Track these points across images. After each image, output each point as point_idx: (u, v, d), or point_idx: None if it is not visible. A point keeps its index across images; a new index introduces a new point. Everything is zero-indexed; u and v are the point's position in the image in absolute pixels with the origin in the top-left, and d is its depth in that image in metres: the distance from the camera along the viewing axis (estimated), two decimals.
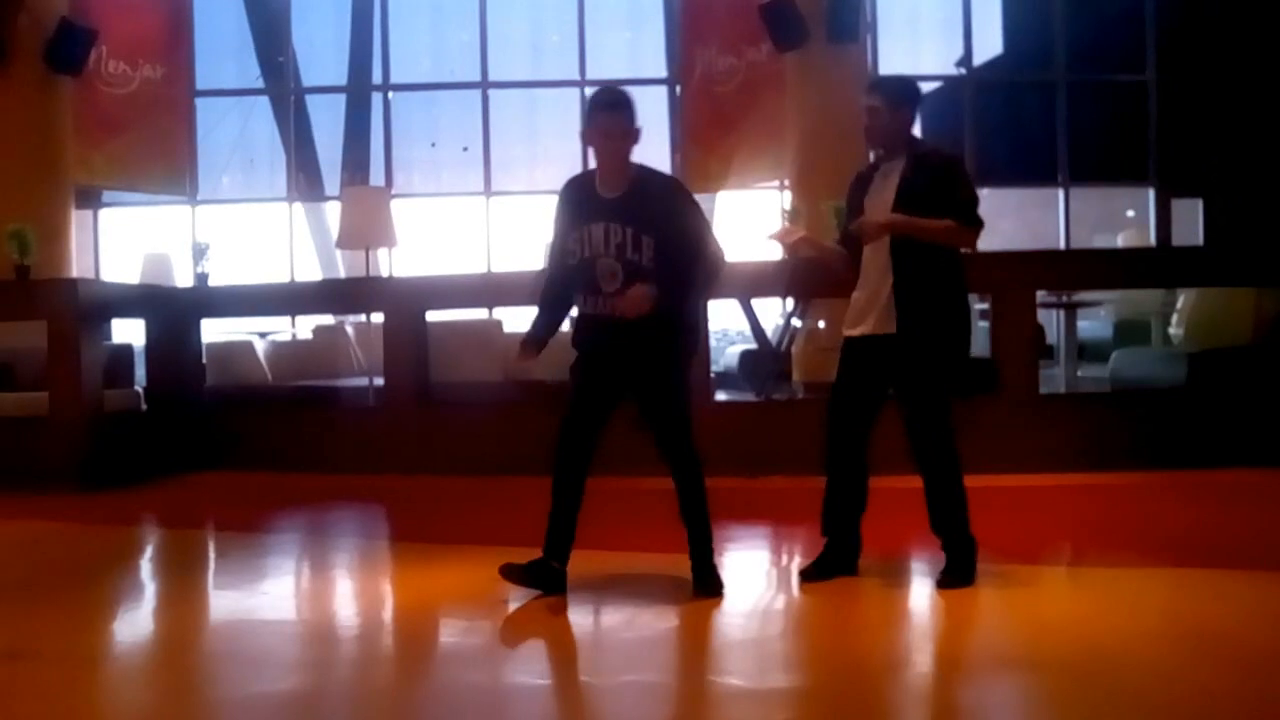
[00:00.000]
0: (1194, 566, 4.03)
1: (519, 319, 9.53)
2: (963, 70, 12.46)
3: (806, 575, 3.83)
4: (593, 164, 3.84)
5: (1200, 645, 3.06)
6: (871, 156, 4.16)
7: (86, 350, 6.46)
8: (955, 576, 3.70)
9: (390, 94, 12.30)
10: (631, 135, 3.69)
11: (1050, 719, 2.73)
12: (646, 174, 3.74)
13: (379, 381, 7.21)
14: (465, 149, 12.18)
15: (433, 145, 12.63)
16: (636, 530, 3.97)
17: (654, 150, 11.04)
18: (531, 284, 4.07)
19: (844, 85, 9.94)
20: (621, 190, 3.67)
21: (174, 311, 7.35)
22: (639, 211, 3.63)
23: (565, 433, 3.82)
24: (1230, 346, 6.74)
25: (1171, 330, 7.76)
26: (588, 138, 3.73)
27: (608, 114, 3.67)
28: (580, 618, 3.61)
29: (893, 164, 3.89)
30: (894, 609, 3.67)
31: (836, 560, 3.85)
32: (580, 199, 3.75)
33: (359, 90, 12.68)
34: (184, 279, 8.78)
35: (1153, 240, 11.58)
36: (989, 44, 13.65)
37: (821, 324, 8.53)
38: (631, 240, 3.62)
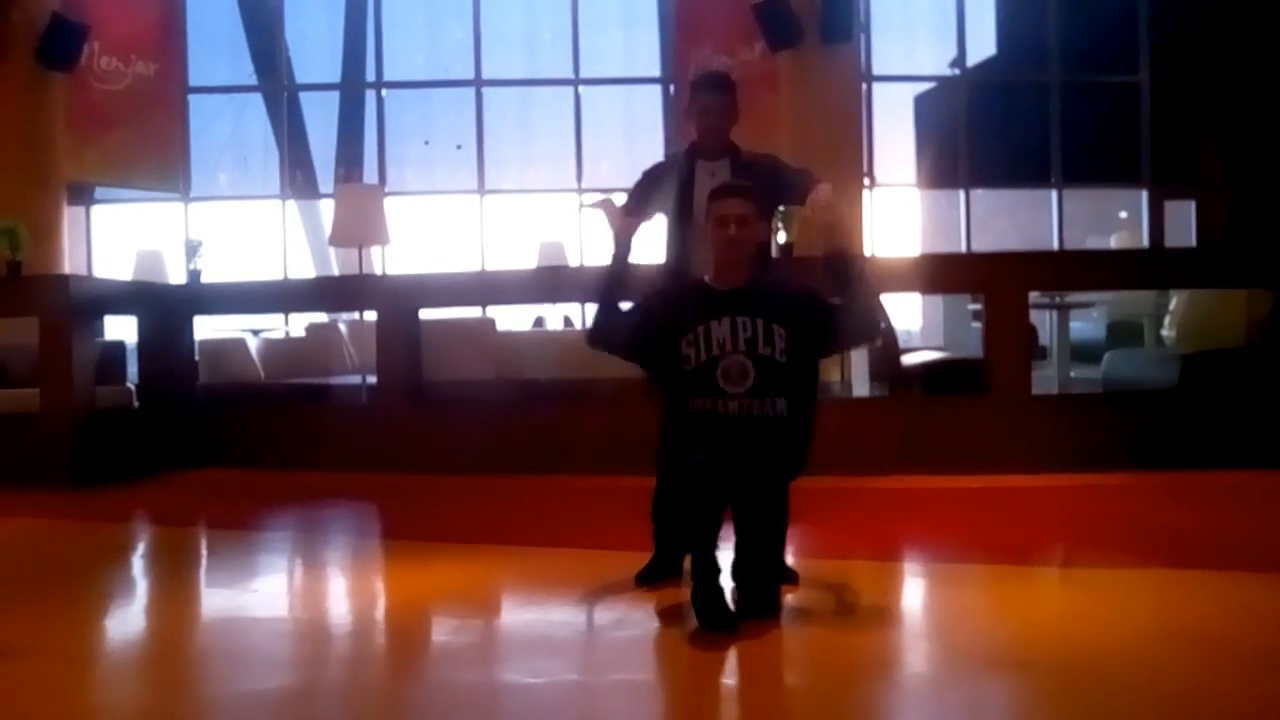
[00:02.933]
0: (1186, 567, 4.03)
1: (512, 317, 9.56)
2: (956, 71, 12.49)
3: (642, 580, 3.72)
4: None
5: (1191, 646, 3.06)
6: (663, 156, 4.13)
7: (78, 347, 6.44)
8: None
9: (384, 91, 12.30)
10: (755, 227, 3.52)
11: (1040, 719, 2.73)
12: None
13: (372, 379, 7.20)
14: (459, 147, 12.19)
15: (426, 143, 12.63)
16: (627, 529, 3.96)
17: (648, 149, 11.07)
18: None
19: (837, 85, 10.00)
20: (743, 282, 3.46)
21: (166, 308, 7.33)
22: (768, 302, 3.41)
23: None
24: (1223, 348, 6.75)
25: (1164, 332, 7.78)
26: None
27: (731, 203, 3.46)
28: (571, 616, 3.61)
29: (716, 164, 3.86)
30: (884, 609, 3.67)
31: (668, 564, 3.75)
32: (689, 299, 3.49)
33: (353, 87, 12.67)
34: (177, 276, 8.77)
35: (1145, 241, 11.61)
36: (983, 45, 13.69)
37: None
38: (764, 333, 3.38)
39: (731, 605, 3.26)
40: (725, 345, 3.33)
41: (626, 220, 3.83)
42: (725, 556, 3.35)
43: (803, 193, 3.83)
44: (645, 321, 3.52)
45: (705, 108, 3.91)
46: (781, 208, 5.27)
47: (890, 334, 7.08)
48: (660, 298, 3.59)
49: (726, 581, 3.31)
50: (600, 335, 3.62)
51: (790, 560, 3.73)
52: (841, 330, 3.50)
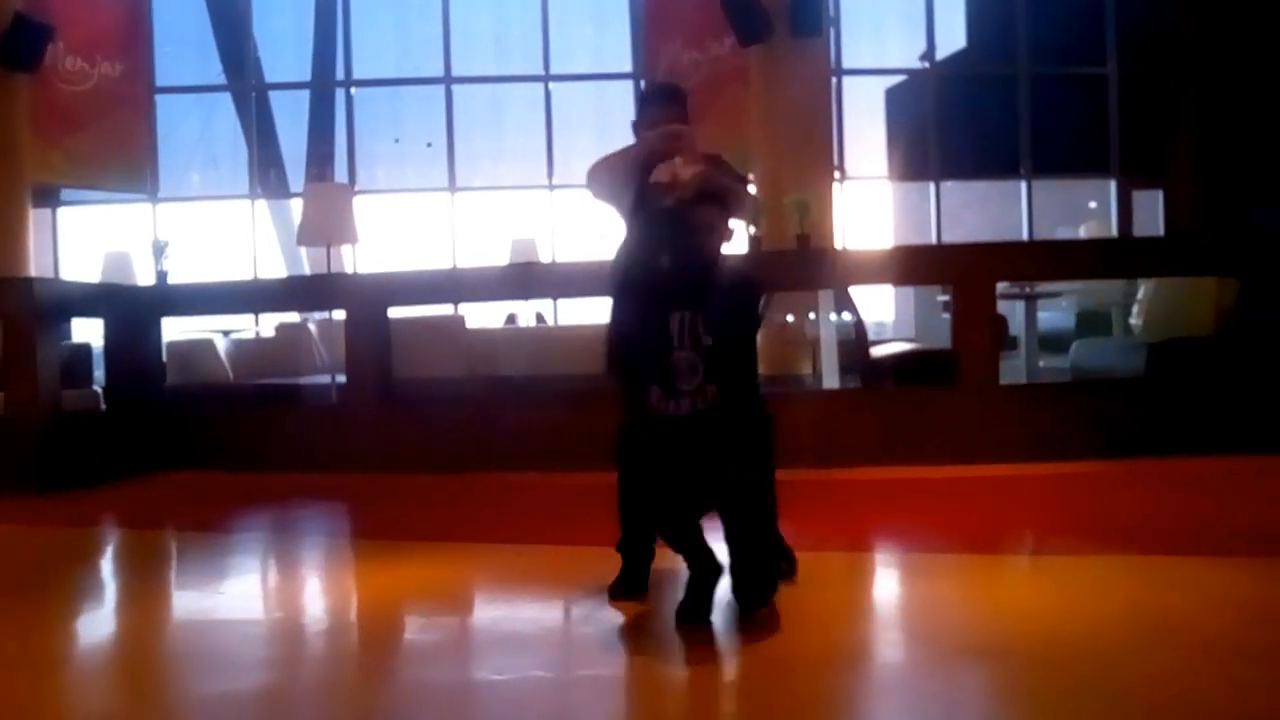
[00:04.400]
0: (1154, 554, 4.06)
1: (485, 315, 9.54)
2: (926, 64, 12.53)
3: (614, 594, 3.64)
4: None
5: (1160, 632, 3.08)
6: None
7: (43, 350, 6.38)
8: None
9: (353, 89, 12.23)
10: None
11: (1009, 707, 2.74)
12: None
13: (341, 379, 7.17)
14: (429, 144, 12.14)
15: (396, 141, 12.58)
16: (598, 525, 3.95)
17: (620, 145, 10.97)
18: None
19: (807, 79, 10.02)
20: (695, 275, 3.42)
21: (133, 310, 7.26)
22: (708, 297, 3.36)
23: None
24: (1189, 336, 6.80)
25: (1131, 320, 7.83)
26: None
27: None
28: (539, 613, 3.60)
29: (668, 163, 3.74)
30: (857, 599, 3.68)
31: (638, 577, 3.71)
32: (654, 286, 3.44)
33: (323, 86, 12.60)
34: (146, 277, 8.70)
35: (1114, 231, 11.70)
36: (952, 38, 13.76)
37: (790, 317, 8.57)
38: (700, 326, 3.33)
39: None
40: (674, 340, 3.32)
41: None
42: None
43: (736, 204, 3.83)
44: (619, 310, 3.55)
45: (655, 122, 3.78)
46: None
47: (860, 326, 7.11)
48: (628, 285, 3.56)
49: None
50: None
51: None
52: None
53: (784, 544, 3.67)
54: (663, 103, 3.86)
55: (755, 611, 3.29)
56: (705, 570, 3.23)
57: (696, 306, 3.35)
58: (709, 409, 3.31)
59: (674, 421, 3.31)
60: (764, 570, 3.38)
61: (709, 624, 3.15)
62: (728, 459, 3.34)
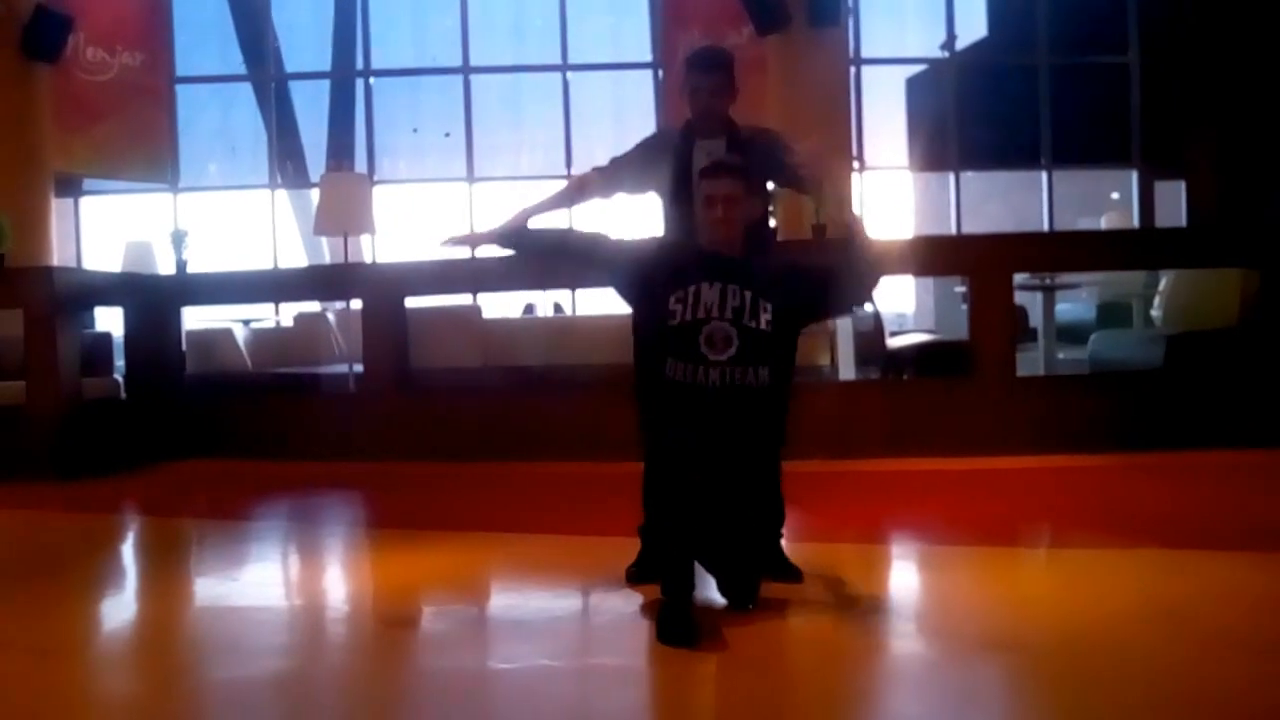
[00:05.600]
0: (1171, 547, 4.04)
1: (498, 304, 9.55)
2: (946, 53, 12.45)
3: (631, 577, 3.62)
4: None
5: (1176, 626, 3.06)
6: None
7: (63, 338, 6.44)
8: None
9: (372, 80, 12.25)
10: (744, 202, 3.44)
11: (1023, 699, 2.74)
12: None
13: (359, 368, 7.20)
14: (447, 135, 12.14)
15: (415, 131, 12.59)
16: (614, 515, 3.96)
17: (638, 134, 10.97)
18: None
19: (826, 69, 9.97)
20: (740, 252, 3.40)
21: (154, 299, 7.32)
22: (760, 276, 3.35)
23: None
24: (1209, 329, 6.75)
25: (1153, 312, 7.78)
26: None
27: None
28: (550, 602, 3.61)
29: (712, 142, 3.76)
30: (871, 592, 3.68)
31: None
32: (685, 257, 3.44)
33: (342, 76, 12.63)
34: (167, 267, 8.75)
35: (1136, 222, 11.61)
36: (972, 27, 13.66)
37: None
38: (750, 305, 3.32)
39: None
40: (712, 310, 3.28)
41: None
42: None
43: (793, 179, 3.82)
44: (639, 265, 3.48)
45: (696, 88, 3.77)
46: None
47: (877, 317, 7.09)
48: (658, 249, 3.55)
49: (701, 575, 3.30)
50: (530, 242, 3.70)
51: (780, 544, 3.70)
52: (834, 293, 3.50)
53: (788, 561, 3.63)
54: (706, 70, 3.78)
55: (744, 609, 3.28)
56: (682, 586, 3.06)
57: (743, 283, 3.32)
58: (751, 386, 3.29)
59: (703, 391, 3.28)
60: (756, 568, 3.37)
61: (696, 643, 2.98)
62: (751, 439, 3.35)
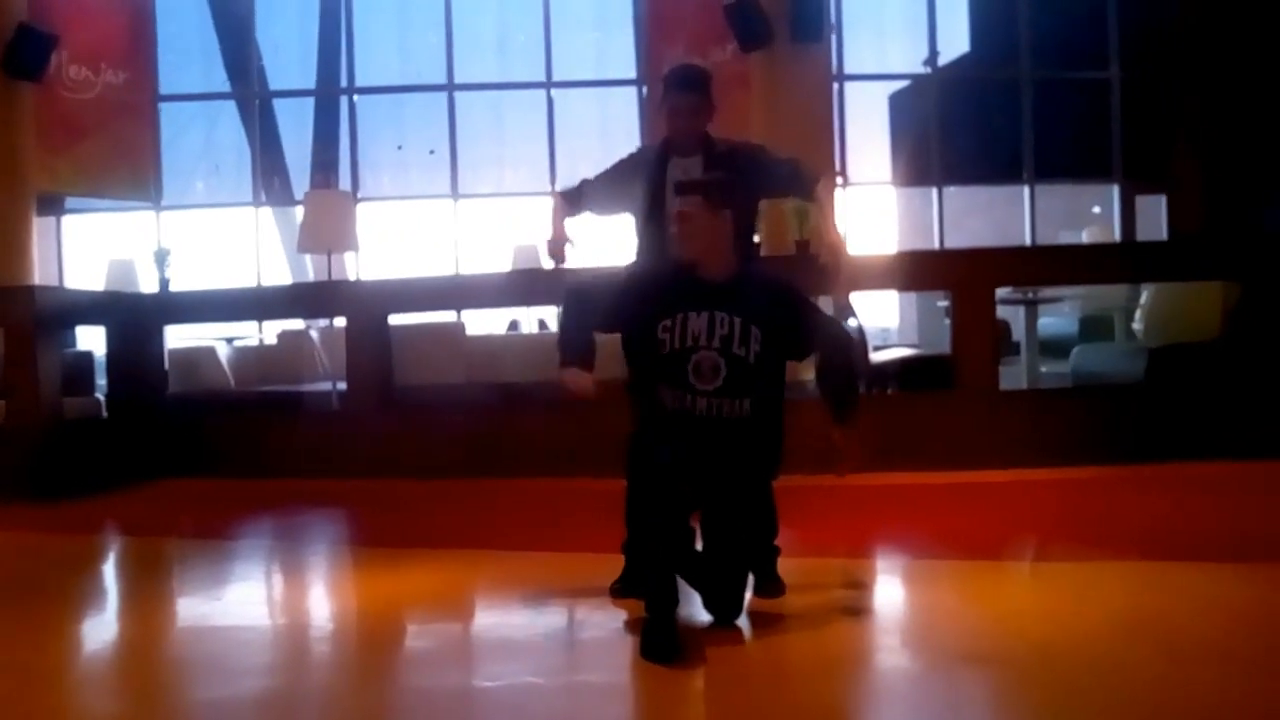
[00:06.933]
0: (1153, 559, 4.05)
1: (482, 321, 9.54)
2: (928, 69, 12.52)
3: (615, 592, 3.62)
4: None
5: (1157, 638, 3.07)
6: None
7: (44, 358, 6.40)
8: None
9: (356, 97, 12.25)
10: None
11: (1007, 713, 2.74)
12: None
13: (342, 386, 7.18)
14: (432, 152, 12.14)
15: (399, 148, 12.59)
16: (598, 532, 3.95)
17: (623, 151, 10.98)
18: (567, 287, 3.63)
19: (809, 85, 10.02)
20: (728, 277, 3.37)
21: (136, 318, 7.29)
22: (749, 300, 3.33)
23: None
24: (1190, 341, 6.79)
25: (1134, 325, 7.82)
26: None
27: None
28: (533, 619, 3.60)
29: (689, 160, 3.75)
30: (857, 605, 3.68)
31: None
32: (672, 284, 3.40)
33: (327, 93, 12.63)
34: (150, 285, 8.72)
35: (1117, 236, 11.67)
36: (955, 43, 13.74)
37: None
38: (740, 332, 3.31)
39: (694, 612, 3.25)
40: (700, 339, 3.28)
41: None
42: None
43: (788, 183, 3.83)
44: (625, 297, 3.46)
45: (675, 108, 3.75)
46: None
47: (861, 332, 7.10)
48: (643, 278, 3.53)
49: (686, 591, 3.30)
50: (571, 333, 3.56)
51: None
52: (818, 362, 3.48)
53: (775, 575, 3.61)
54: (683, 89, 3.76)
55: (729, 624, 3.27)
56: (665, 602, 3.05)
57: (731, 309, 3.31)
58: (734, 418, 3.29)
59: (691, 418, 3.28)
60: (743, 583, 3.36)
61: (680, 659, 2.96)
62: (740, 467, 3.35)
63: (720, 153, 3.77)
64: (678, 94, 3.77)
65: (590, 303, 3.51)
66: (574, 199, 3.96)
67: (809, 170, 3.87)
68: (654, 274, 3.55)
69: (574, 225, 3.94)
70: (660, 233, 3.70)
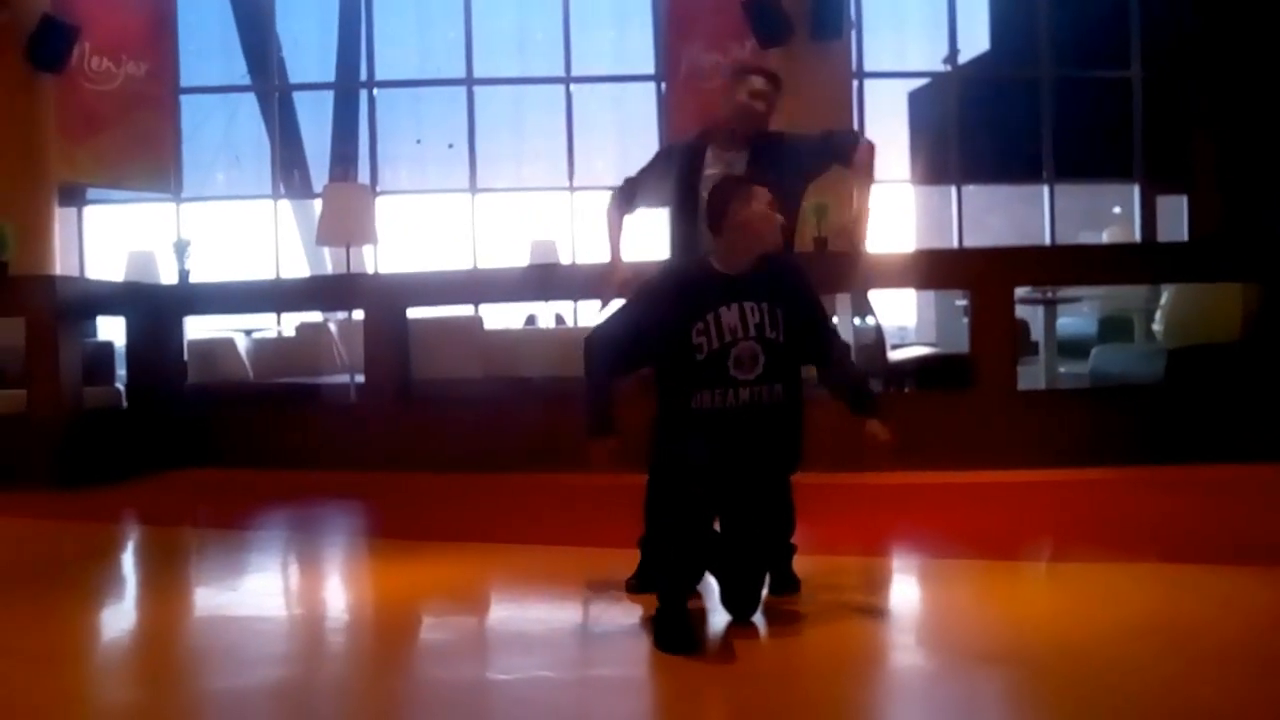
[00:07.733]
0: (1171, 562, 4.03)
1: (500, 315, 9.56)
2: (948, 67, 12.47)
3: (631, 588, 3.62)
4: None
5: (1176, 640, 3.06)
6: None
7: (65, 348, 6.45)
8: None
9: (375, 90, 12.28)
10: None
11: (1024, 713, 2.74)
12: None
13: (360, 378, 7.20)
14: (450, 146, 12.17)
15: (418, 142, 12.62)
16: (615, 527, 3.95)
17: (640, 147, 11.06)
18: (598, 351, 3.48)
19: (828, 82, 9.99)
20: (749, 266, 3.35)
21: (156, 309, 7.33)
22: (771, 283, 3.33)
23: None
24: (1209, 343, 6.75)
25: (1154, 326, 7.78)
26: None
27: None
28: (548, 613, 3.61)
29: (733, 154, 3.77)
30: (873, 604, 3.67)
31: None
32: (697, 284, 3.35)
33: (346, 87, 12.66)
34: (169, 277, 8.77)
35: (1137, 236, 11.61)
36: (975, 41, 13.68)
37: None
38: (769, 317, 3.30)
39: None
40: (737, 332, 3.27)
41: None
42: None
43: (833, 153, 3.89)
44: (649, 320, 3.38)
45: (757, 91, 3.75)
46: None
47: (879, 330, 7.09)
48: (665, 290, 3.43)
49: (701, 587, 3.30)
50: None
51: None
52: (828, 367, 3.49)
53: (791, 573, 3.61)
54: (767, 77, 3.83)
55: (746, 620, 3.28)
56: (680, 594, 3.08)
57: (757, 296, 3.30)
58: (771, 404, 3.30)
59: (726, 415, 3.27)
60: (761, 580, 3.36)
61: (694, 650, 3.00)
62: (769, 458, 3.35)
63: (764, 145, 3.79)
64: (763, 79, 3.81)
65: (613, 345, 3.46)
66: (628, 197, 3.99)
67: (841, 136, 3.95)
68: (675, 280, 3.47)
69: (628, 230, 3.96)
70: (693, 224, 3.70)
